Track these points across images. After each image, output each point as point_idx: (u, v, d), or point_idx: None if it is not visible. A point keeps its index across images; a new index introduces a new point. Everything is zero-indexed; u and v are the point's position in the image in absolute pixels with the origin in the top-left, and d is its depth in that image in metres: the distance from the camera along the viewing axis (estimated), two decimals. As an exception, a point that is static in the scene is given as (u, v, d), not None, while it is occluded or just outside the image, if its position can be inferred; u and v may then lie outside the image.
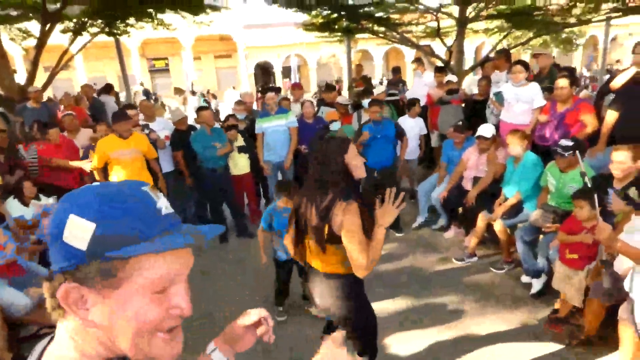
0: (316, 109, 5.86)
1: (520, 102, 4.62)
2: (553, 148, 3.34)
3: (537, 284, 3.45)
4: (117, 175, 4.24)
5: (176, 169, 5.12)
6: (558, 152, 3.26)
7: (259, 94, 5.37)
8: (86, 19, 8.04)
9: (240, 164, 5.09)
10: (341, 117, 5.53)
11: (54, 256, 0.62)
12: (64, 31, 8.59)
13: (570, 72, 4.99)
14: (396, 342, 3.00)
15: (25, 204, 4.16)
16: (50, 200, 4.49)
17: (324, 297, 2.02)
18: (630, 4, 7.49)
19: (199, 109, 4.87)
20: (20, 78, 8.45)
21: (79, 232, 0.60)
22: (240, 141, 5.04)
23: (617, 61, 18.95)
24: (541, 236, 3.53)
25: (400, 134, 4.91)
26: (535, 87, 4.60)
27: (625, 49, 21.02)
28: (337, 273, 1.96)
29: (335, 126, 5.23)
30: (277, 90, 5.43)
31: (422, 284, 3.80)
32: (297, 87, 6.66)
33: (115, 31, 8.81)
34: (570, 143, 3.19)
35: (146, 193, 0.66)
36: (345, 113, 5.70)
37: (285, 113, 5.15)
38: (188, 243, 0.64)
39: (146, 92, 17.10)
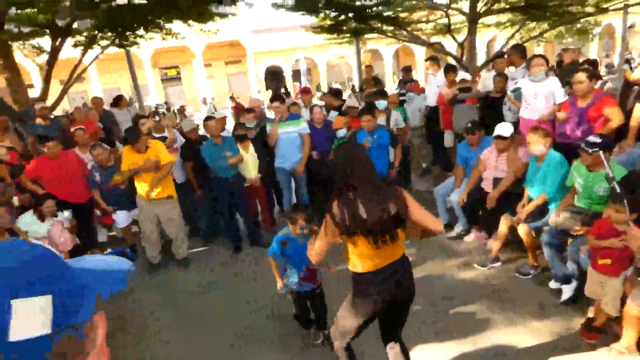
0: (325, 113, 5.74)
1: (539, 97, 4.44)
2: (581, 145, 3.15)
3: (567, 291, 3.26)
4: (141, 184, 4.36)
5: (189, 180, 5.07)
6: (584, 149, 3.07)
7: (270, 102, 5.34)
8: (96, 32, 8.10)
9: (250, 171, 4.99)
10: (351, 120, 5.37)
11: None
12: (75, 45, 8.69)
13: (591, 65, 4.76)
14: (416, 356, 2.85)
15: (42, 219, 4.17)
16: (66, 214, 4.49)
17: (405, 285, 2.16)
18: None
19: (205, 119, 4.81)
20: (37, 93, 8.57)
21: (32, 315, 0.45)
22: (251, 151, 4.95)
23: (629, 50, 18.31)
24: (569, 239, 3.34)
25: (394, 141, 4.80)
26: (554, 81, 4.41)
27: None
28: (403, 251, 2.17)
29: (342, 133, 5.06)
30: (283, 97, 5.33)
31: (442, 291, 3.62)
32: (305, 92, 6.55)
33: (125, 42, 8.87)
34: (597, 140, 3.00)
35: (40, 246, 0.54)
36: (356, 116, 5.55)
37: (297, 119, 5.04)
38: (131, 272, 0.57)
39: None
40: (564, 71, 5.07)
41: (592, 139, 3.06)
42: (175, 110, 16.96)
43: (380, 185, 2.06)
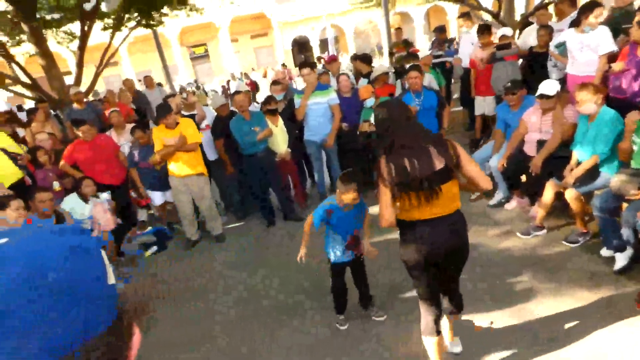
0: (354, 81, 5.52)
1: (585, 50, 4.04)
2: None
3: (621, 259, 3.03)
4: (172, 163, 4.41)
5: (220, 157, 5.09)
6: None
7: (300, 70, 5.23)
8: (122, 14, 8.15)
9: (280, 145, 4.92)
10: (382, 86, 5.13)
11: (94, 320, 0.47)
12: (104, 29, 8.81)
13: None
14: (459, 328, 2.77)
15: (85, 201, 4.34)
16: (105, 196, 4.66)
17: (459, 234, 2.10)
18: None
19: (233, 94, 4.74)
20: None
21: (108, 264, 0.52)
22: (280, 125, 4.87)
23: None
24: (625, 204, 3.08)
25: (442, 103, 4.58)
26: (603, 30, 3.97)
27: None
28: (458, 207, 2.09)
29: (369, 103, 4.80)
30: (313, 65, 5.12)
31: (481, 261, 3.47)
32: (332, 60, 6.32)
33: (150, 22, 8.89)
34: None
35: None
36: (385, 82, 5.31)
37: (326, 89, 4.88)
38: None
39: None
40: (617, 17, 4.55)
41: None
42: (204, 88, 17.04)
43: (427, 139, 2.01)
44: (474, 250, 3.62)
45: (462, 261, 2.20)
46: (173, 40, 24.15)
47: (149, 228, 5.32)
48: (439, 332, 2.23)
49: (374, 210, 4.79)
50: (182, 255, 4.72)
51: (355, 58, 6.27)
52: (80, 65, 7.40)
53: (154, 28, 9.87)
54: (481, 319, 2.84)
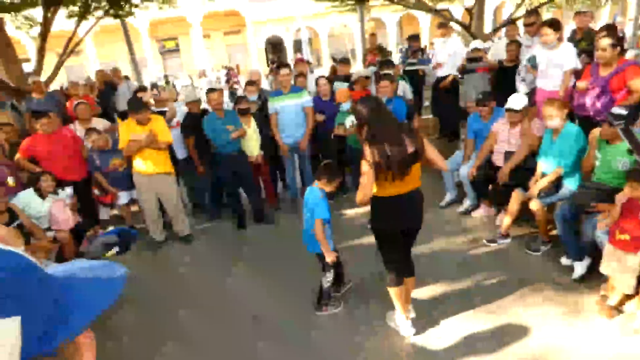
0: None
1: (551, 66, 4.23)
2: (603, 117, 2.99)
3: (580, 268, 3.18)
4: (139, 159, 4.20)
5: (190, 156, 4.94)
6: (607, 121, 2.91)
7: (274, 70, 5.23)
8: (90, 2, 7.79)
9: (252, 148, 4.84)
10: (361, 90, 5.13)
11: None
12: (69, 16, 8.38)
13: (612, 30, 4.49)
14: (427, 334, 2.82)
15: (42, 197, 4.09)
16: (68, 191, 4.42)
17: (421, 205, 2.61)
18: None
19: (207, 92, 4.60)
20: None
21: (3, 339, 0.38)
22: (253, 126, 4.79)
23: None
24: (585, 215, 3.23)
25: (411, 113, 4.65)
26: (568, 48, 4.18)
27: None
28: (420, 184, 2.58)
29: (345, 106, 4.77)
30: (290, 65, 5.09)
31: (449, 268, 3.56)
32: (299, 62, 6.37)
33: (119, 12, 8.54)
34: (623, 111, 2.83)
35: (29, 262, 0.50)
36: (365, 86, 5.31)
37: (300, 92, 4.85)
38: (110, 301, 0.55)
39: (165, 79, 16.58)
40: (585, 36, 4.80)
41: (616, 110, 2.89)
42: (174, 83, 16.48)
43: (401, 128, 2.47)
44: (442, 255, 3.74)
45: (420, 226, 2.69)
46: (142, 32, 23.33)
47: (111, 228, 5.08)
48: (401, 282, 2.73)
49: (345, 212, 4.85)
50: (145, 256, 4.54)
51: (334, 61, 6.28)
52: (41, 53, 7.00)
53: (123, 19, 9.50)
54: (450, 322, 2.91)
